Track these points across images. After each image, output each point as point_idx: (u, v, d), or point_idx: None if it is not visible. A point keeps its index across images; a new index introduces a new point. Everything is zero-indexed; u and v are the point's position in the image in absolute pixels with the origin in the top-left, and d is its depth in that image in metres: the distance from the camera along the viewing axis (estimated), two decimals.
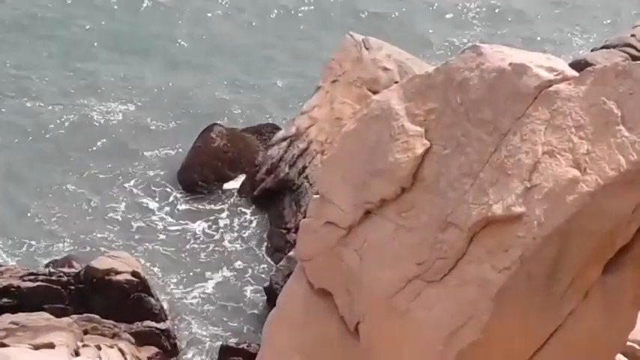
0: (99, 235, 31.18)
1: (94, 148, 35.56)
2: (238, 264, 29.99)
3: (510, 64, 13.84)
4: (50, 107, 38.02)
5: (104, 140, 35.98)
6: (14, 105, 38.33)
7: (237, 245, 30.80)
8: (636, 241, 13.90)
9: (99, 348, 21.38)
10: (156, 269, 29.72)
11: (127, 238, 31.19)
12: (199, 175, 33.33)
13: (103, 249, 30.19)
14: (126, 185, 33.76)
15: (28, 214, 32.03)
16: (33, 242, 30.72)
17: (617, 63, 13.61)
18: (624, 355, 17.45)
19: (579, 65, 27.03)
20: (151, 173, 34.24)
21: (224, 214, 32.23)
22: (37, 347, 20.34)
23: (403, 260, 14.40)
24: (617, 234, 13.39)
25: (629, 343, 17.23)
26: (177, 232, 31.53)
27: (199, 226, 31.71)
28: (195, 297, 28.72)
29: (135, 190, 33.49)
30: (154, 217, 32.25)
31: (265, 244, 30.81)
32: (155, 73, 40.81)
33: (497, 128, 13.70)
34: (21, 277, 26.55)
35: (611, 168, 12.89)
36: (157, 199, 33.08)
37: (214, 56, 42.50)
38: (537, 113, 13.57)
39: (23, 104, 38.31)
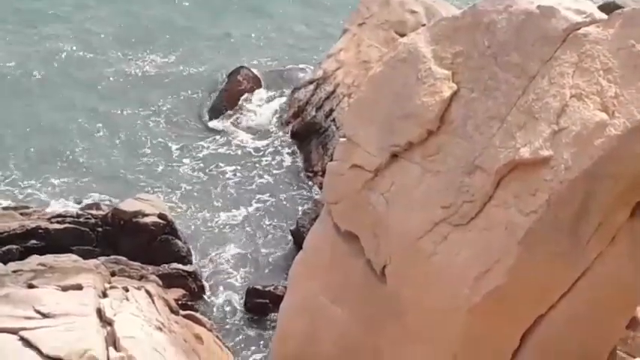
0: (129, 175, 31.73)
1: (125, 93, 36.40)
2: (265, 205, 30.41)
3: (538, 6, 13.86)
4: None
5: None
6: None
7: (265, 186, 31.23)
8: None
9: (126, 290, 21.63)
10: (185, 207, 30.26)
11: (154, 177, 31.74)
12: (226, 118, 33.74)
13: (132, 187, 30.84)
14: (154, 126, 34.48)
15: (61, 155, 32.73)
16: (65, 181, 31.43)
17: None
18: None
19: (608, 8, 26.83)
20: (182, 114, 34.80)
21: (251, 155, 32.75)
22: (64, 289, 20.53)
23: (430, 204, 14.58)
24: None
25: None
26: (205, 173, 31.95)
27: (227, 167, 32.11)
28: (221, 239, 29.14)
29: (163, 131, 34.04)
30: (180, 157, 32.76)
31: (292, 186, 31.24)
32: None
33: (525, 71, 13.63)
34: (49, 219, 26.92)
35: (639, 111, 12.78)
36: (183, 138, 33.63)
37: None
38: (565, 56, 13.49)
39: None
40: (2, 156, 31.95)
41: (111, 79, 37.28)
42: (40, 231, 25.64)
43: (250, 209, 30.12)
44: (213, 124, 33.85)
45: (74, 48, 39.45)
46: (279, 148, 32.16)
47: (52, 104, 35.52)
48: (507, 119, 13.78)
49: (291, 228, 27.99)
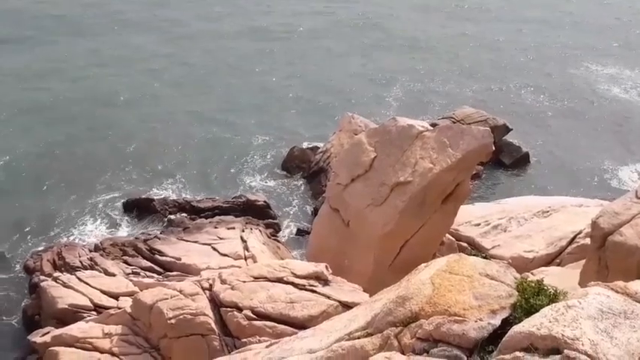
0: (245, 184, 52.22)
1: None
2: (304, 198, 51.03)
3: (408, 124, 30.96)
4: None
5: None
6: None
7: (303, 190, 52.26)
8: (454, 190, 30.23)
9: (251, 229, 40.75)
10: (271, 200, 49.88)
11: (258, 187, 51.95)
12: (289, 164, 55.03)
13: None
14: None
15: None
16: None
17: None
18: (451, 235, 34.77)
19: (436, 124, 43.37)
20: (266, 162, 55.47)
21: (299, 180, 53.48)
22: (228, 228, 39.74)
23: (366, 196, 30.29)
24: (446, 189, 29.93)
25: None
26: (275, 186, 52.36)
27: (288, 184, 52.77)
28: (288, 212, 49.63)
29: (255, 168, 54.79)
30: (268, 181, 53.27)
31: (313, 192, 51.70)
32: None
33: (401, 148, 29.89)
34: (221, 202, 46.91)
35: (439, 164, 30.15)
36: (266, 175, 54.15)
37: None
38: (417, 143, 30.71)
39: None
40: None
41: None
42: (217, 207, 46.70)
43: (301, 199, 51.21)
44: (284, 168, 55.31)
45: None
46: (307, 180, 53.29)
47: None
48: (395, 166, 29.69)
49: (314, 207, 48.57)
